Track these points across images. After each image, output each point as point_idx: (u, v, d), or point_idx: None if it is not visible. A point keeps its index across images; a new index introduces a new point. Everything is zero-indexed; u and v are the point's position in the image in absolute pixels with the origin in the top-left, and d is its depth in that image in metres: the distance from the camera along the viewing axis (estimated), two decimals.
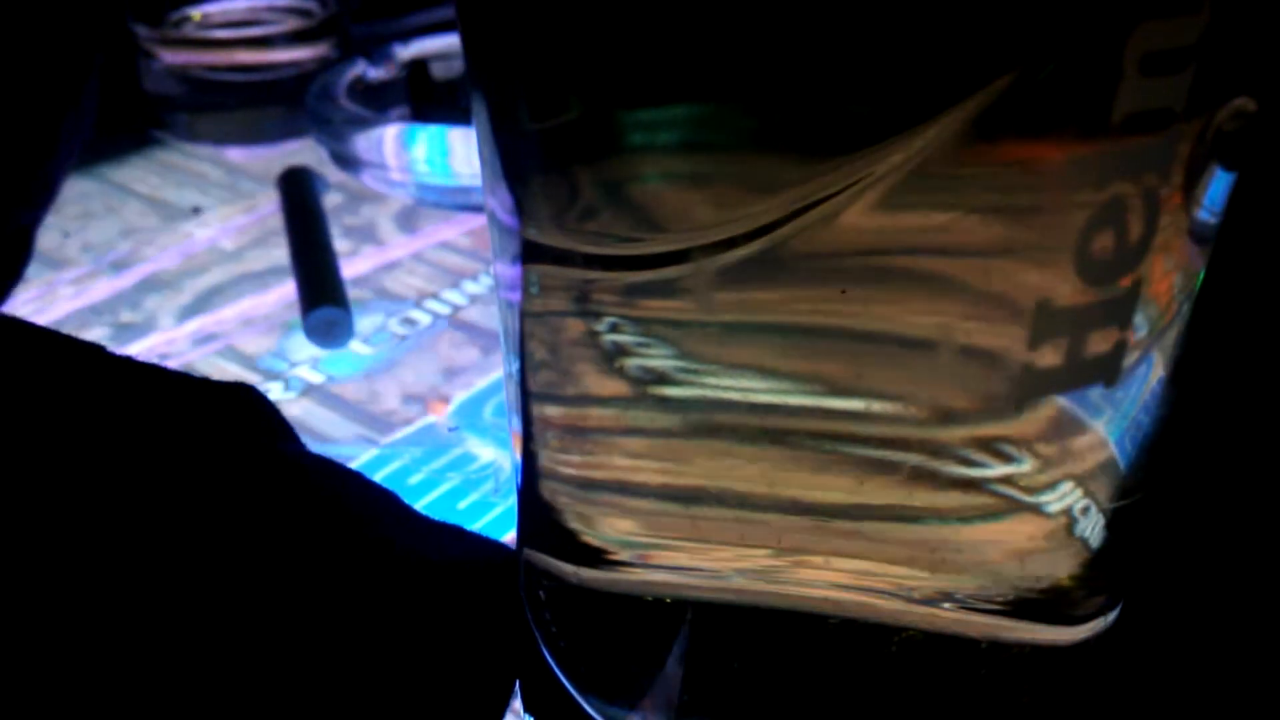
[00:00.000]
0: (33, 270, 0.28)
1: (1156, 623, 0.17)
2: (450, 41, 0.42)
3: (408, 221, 0.36)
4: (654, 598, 0.13)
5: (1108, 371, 0.11)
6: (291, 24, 0.43)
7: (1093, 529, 0.13)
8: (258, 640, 0.15)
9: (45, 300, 0.32)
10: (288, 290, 0.32)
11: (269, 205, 0.37)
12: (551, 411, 0.13)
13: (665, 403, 0.12)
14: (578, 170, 0.11)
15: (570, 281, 0.12)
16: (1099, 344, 0.11)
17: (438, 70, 0.41)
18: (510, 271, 0.13)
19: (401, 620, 0.16)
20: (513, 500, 0.15)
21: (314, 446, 0.21)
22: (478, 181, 0.15)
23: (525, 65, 0.11)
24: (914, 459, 0.11)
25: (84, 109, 0.24)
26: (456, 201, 0.36)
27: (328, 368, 0.29)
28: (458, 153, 0.35)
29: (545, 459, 0.14)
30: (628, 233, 0.11)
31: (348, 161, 0.37)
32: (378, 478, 0.24)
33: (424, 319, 0.31)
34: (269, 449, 0.17)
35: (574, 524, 0.13)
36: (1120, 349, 0.11)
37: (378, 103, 0.40)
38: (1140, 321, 0.11)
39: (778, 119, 0.10)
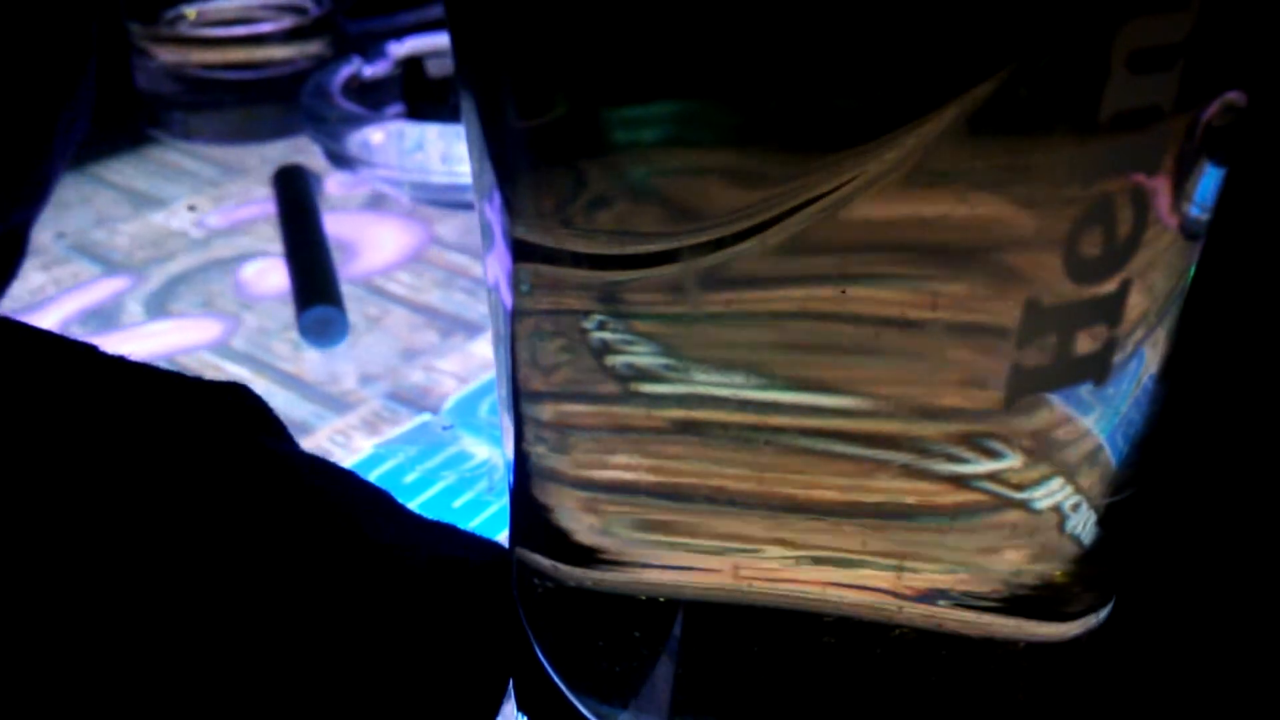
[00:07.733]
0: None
1: (1150, 619, 0.17)
2: (445, 39, 0.42)
3: (403, 218, 0.36)
4: (646, 596, 0.13)
5: (1097, 369, 0.11)
6: (286, 22, 0.43)
7: (1084, 525, 0.13)
8: (250, 639, 0.14)
9: (40, 297, 0.32)
10: (282, 288, 0.32)
11: (264, 203, 0.37)
12: (542, 409, 0.13)
13: (653, 400, 0.12)
14: (565, 168, 0.11)
15: (559, 279, 0.12)
16: (1088, 342, 0.11)
17: (433, 68, 0.41)
18: (500, 269, 0.13)
19: (394, 620, 0.16)
20: (507, 499, 0.15)
21: (305, 446, 0.21)
22: None
23: (512, 62, 0.11)
24: (903, 457, 0.11)
25: (79, 107, 0.23)
26: (452, 199, 0.36)
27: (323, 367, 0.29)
28: (453, 150, 0.35)
29: (536, 457, 0.14)
30: (616, 231, 0.11)
31: (343, 159, 0.37)
32: (372, 476, 0.24)
33: (417, 320, 0.31)
34: (262, 448, 0.17)
35: (566, 523, 0.13)
36: (1110, 347, 0.11)
37: (372, 100, 0.40)
38: (1130, 319, 0.11)
39: (765, 118, 0.10)
